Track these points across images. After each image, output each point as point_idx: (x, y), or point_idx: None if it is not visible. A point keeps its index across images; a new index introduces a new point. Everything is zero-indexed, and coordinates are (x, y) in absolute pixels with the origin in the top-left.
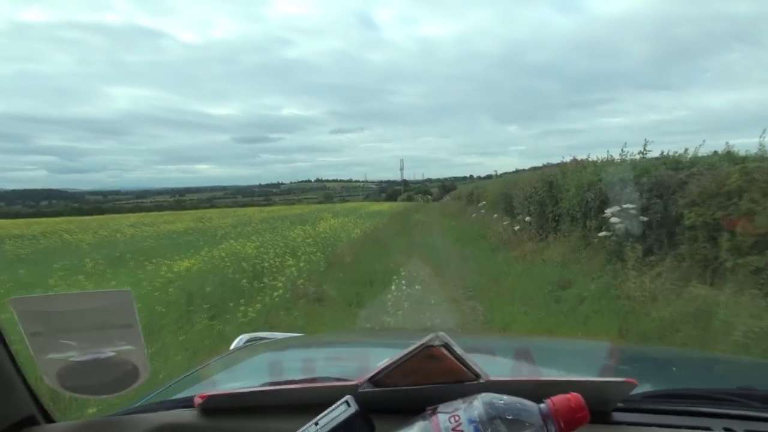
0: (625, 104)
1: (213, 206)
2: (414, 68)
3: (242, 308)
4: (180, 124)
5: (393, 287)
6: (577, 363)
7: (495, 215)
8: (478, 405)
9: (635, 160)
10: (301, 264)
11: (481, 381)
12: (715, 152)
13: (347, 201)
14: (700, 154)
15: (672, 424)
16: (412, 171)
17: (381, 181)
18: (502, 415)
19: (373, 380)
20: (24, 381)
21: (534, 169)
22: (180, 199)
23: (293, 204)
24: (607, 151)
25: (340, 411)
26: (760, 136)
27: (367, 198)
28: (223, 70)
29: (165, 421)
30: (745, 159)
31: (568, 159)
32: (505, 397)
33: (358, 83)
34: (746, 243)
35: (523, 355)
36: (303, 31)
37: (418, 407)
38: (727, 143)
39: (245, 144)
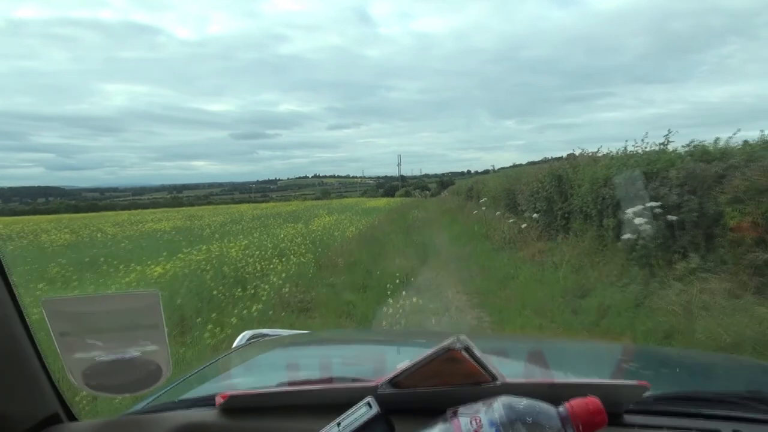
0: (622, 98)
1: (209, 203)
2: (411, 64)
3: (210, 327)
4: (177, 121)
5: (389, 294)
6: (589, 364)
7: (498, 212)
8: (498, 407)
9: (655, 151)
10: (290, 267)
11: (499, 383)
12: (746, 142)
13: (345, 197)
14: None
15: (682, 426)
16: (409, 166)
17: (378, 177)
18: (522, 418)
19: (392, 382)
20: (50, 379)
21: (532, 163)
22: (177, 195)
23: (289, 200)
24: (626, 141)
25: (362, 412)
26: None
27: (364, 194)
28: (219, 66)
29: (187, 420)
30: None
31: (577, 152)
32: (524, 399)
33: (355, 79)
34: None
35: (536, 356)
36: (300, 27)
37: (437, 409)
38: (762, 132)
39: (242, 140)
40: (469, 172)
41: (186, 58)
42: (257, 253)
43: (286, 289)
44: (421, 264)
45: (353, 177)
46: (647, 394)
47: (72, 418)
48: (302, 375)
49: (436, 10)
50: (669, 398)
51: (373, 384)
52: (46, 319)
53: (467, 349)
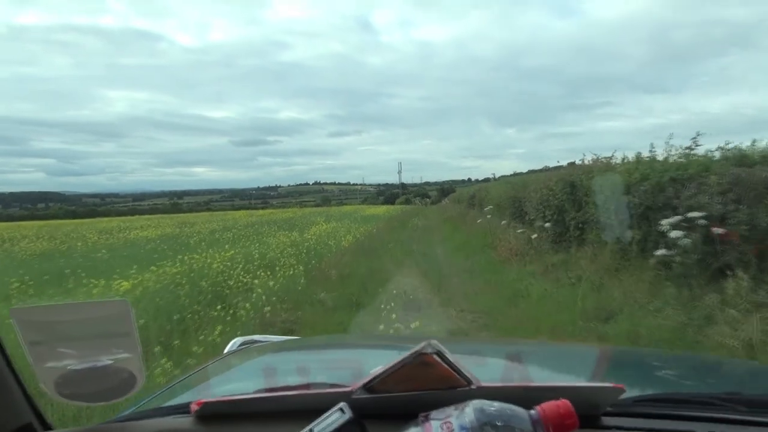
0: (622, 108)
1: (209, 209)
2: (412, 71)
3: (164, 361)
4: (178, 127)
5: (385, 312)
6: (568, 367)
7: (503, 222)
8: (469, 412)
9: (683, 155)
10: (277, 281)
11: (473, 387)
12: None
13: (345, 204)
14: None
15: (660, 428)
16: (410, 174)
17: (379, 184)
18: (492, 422)
19: (367, 387)
20: (21, 388)
21: (532, 172)
22: (176, 202)
23: (288, 207)
24: (652, 144)
25: (335, 418)
26: None
27: (364, 201)
28: (221, 73)
29: (161, 428)
30: None
31: (589, 158)
32: (495, 403)
33: (356, 86)
34: None
35: (514, 360)
36: (301, 35)
37: (411, 413)
38: None
39: (243, 147)
40: (469, 180)
41: (187, 65)
42: (242, 264)
43: (269, 309)
44: (422, 277)
45: (354, 184)
46: (625, 396)
47: (46, 427)
48: (282, 381)
49: (438, 18)
50: (647, 400)
51: (347, 389)
52: (16, 328)
53: (439, 354)
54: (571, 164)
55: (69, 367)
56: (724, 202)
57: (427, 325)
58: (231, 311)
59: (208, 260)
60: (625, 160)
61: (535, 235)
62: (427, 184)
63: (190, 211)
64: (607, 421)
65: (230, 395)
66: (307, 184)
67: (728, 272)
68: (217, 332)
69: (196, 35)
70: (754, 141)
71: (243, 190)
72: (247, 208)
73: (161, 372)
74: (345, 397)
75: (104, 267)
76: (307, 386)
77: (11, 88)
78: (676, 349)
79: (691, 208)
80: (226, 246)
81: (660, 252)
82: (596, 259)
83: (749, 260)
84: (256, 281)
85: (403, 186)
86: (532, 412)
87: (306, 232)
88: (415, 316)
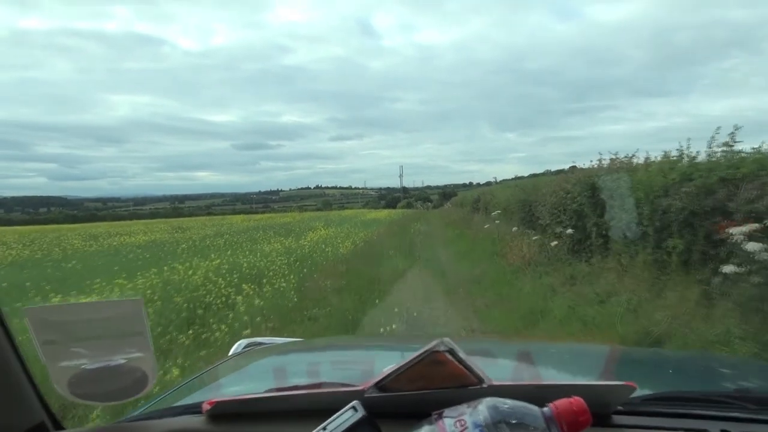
0: (624, 111)
1: (210, 213)
2: (413, 75)
3: (95, 414)
4: (180, 131)
5: (385, 335)
6: (578, 366)
7: (515, 228)
8: (482, 409)
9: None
10: (264, 295)
11: (485, 385)
12: None
13: (346, 208)
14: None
15: (670, 426)
16: (411, 178)
17: (380, 188)
18: (506, 419)
19: (379, 385)
20: (35, 388)
21: (533, 176)
22: (178, 206)
23: (288, 212)
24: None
25: (348, 416)
26: None
27: (366, 205)
28: (223, 77)
29: (173, 427)
30: None
31: (605, 160)
32: (509, 401)
33: (357, 90)
34: None
35: (524, 358)
36: (303, 38)
37: (423, 412)
38: None
39: (245, 151)
40: (470, 183)
41: (189, 69)
42: (227, 276)
43: (248, 331)
44: (425, 289)
45: (355, 188)
46: (635, 394)
47: (58, 427)
48: (291, 381)
49: (439, 22)
50: (657, 398)
51: (359, 388)
52: (30, 328)
53: (451, 352)
54: (573, 168)
55: (82, 367)
56: None
57: None
58: (203, 335)
59: (190, 271)
60: (648, 161)
61: (555, 243)
62: (429, 187)
63: (191, 215)
64: (618, 419)
65: (241, 395)
66: (308, 188)
67: None
68: (176, 371)
69: (199, 39)
70: None
71: (245, 195)
72: (248, 213)
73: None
74: (357, 395)
75: (75, 278)
76: (318, 385)
77: (14, 92)
78: (685, 348)
79: (759, 213)
80: (212, 255)
81: (729, 269)
82: (627, 273)
83: None
84: (239, 297)
85: (404, 190)
86: (545, 409)
87: (303, 238)
88: (417, 338)
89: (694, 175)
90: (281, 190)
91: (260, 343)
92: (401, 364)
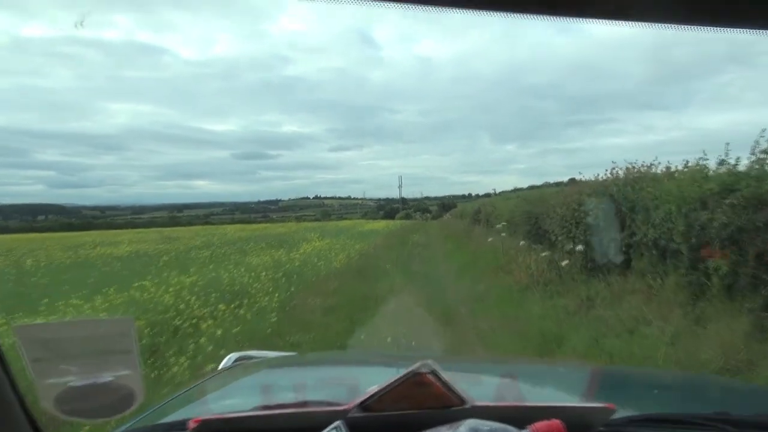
0: (623, 124)
1: (207, 223)
2: (413, 87)
3: None
4: (179, 140)
5: None
6: (561, 387)
7: (522, 242)
8: (463, 431)
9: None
10: (240, 318)
11: (467, 407)
12: None
13: (344, 218)
14: None
15: None
16: (410, 189)
17: (379, 199)
18: None
19: (363, 405)
20: (22, 405)
21: (533, 187)
22: (176, 215)
23: (286, 221)
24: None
25: None
26: None
27: (365, 215)
28: (223, 86)
29: None
30: None
31: (620, 169)
32: (489, 423)
33: (357, 101)
34: None
35: (507, 379)
36: (304, 49)
37: None
38: None
39: (244, 160)
40: (470, 195)
41: (190, 78)
42: (202, 295)
43: (214, 365)
44: (424, 309)
45: (354, 198)
46: (617, 416)
47: None
48: (278, 398)
49: (439, 34)
50: (639, 420)
51: (344, 408)
52: (20, 345)
53: (434, 373)
54: (572, 180)
55: (70, 384)
56: None
57: None
58: (156, 372)
59: (161, 289)
60: (669, 169)
61: (566, 262)
62: (428, 198)
63: (189, 224)
64: None
65: (227, 412)
66: (307, 198)
67: None
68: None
69: (199, 49)
70: None
71: (244, 204)
72: (247, 222)
73: None
74: (341, 415)
75: (37, 294)
76: (303, 404)
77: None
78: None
79: None
80: (192, 269)
81: None
82: (655, 297)
83: None
84: (208, 322)
85: (403, 201)
86: (524, 431)
87: (295, 251)
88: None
89: (740, 185)
90: (280, 200)
91: (251, 357)
92: (385, 384)
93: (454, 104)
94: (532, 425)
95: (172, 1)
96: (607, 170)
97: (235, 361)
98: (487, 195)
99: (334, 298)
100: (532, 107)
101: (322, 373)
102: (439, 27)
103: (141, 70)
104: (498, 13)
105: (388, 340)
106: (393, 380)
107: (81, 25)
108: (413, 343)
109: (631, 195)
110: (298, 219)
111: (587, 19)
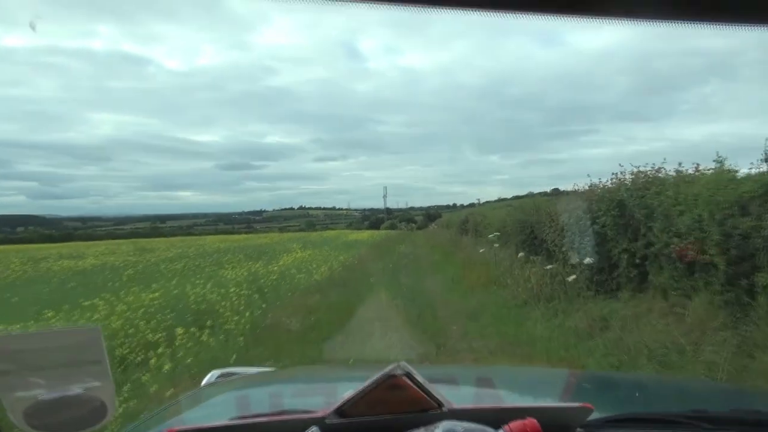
0: (605, 135)
1: (190, 234)
2: (398, 98)
3: None
4: (163, 151)
5: None
6: (539, 390)
7: (521, 254)
8: None
9: None
10: (200, 344)
11: (444, 409)
12: None
13: (329, 228)
14: None
15: None
16: (395, 199)
17: (364, 209)
18: None
19: (339, 411)
20: None
21: (516, 198)
22: (158, 226)
23: (270, 232)
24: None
25: None
26: None
27: (350, 226)
28: (207, 97)
29: None
30: None
31: (627, 174)
32: (465, 424)
33: (342, 112)
34: None
35: (485, 383)
36: (288, 60)
37: None
38: None
39: (229, 171)
40: (454, 205)
41: (174, 89)
42: (158, 316)
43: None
44: (412, 327)
45: (339, 209)
46: (595, 416)
47: None
48: (255, 410)
49: (423, 46)
50: (616, 420)
51: (319, 414)
52: None
53: (408, 375)
54: (555, 190)
55: (38, 397)
56: None
57: None
58: None
59: (114, 308)
60: (681, 173)
61: (573, 277)
62: (413, 209)
63: (171, 235)
64: None
65: (202, 424)
66: (292, 208)
67: None
68: None
69: (184, 60)
70: None
71: (228, 215)
72: (230, 233)
73: None
74: (317, 422)
75: None
76: (280, 413)
77: None
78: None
79: None
80: (155, 284)
81: None
82: (686, 318)
83: None
84: (159, 350)
85: (388, 211)
86: (500, 431)
87: (274, 262)
88: None
89: None
90: (265, 211)
91: (233, 374)
92: (359, 389)
93: (438, 115)
94: (508, 425)
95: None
96: (613, 175)
97: (218, 377)
98: (472, 205)
99: (312, 316)
100: (515, 119)
101: (300, 386)
102: (424, 38)
103: (125, 80)
104: (487, 12)
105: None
106: (367, 384)
107: (33, 27)
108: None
109: (649, 200)
110: (282, 230)
111: (576, 17)
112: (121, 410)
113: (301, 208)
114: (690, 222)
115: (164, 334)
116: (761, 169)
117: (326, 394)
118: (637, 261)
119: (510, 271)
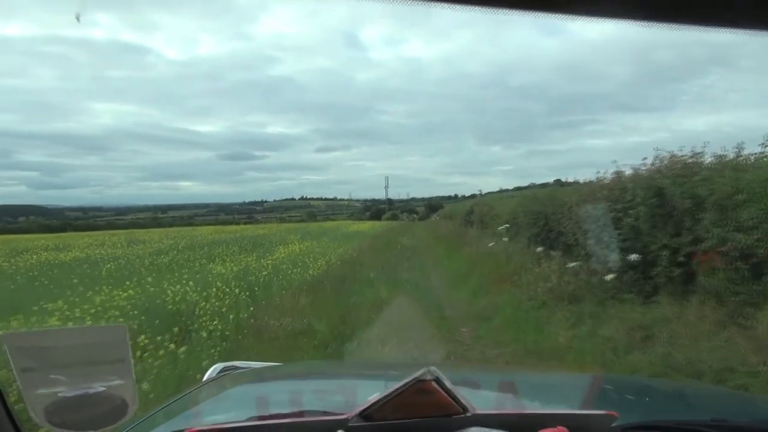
0: (607, 125)
1: (191, 224)
2: (400, 88)
3: None
4: (164, 141)
5: None
6: (562, 395)
7: (539, 248)
8: None
9: None
10: (167, 356)
11: (469, 414)
12: None
13: (330, 219)
14: None
15: None
16: (396, 190)
17: (366, 200)
18: None
19: (363, 414)
20: (8, 414)
21: (518, 189)
22: (159, 216)
23: (268, 223)
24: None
25: None
26: None
27: (351, 216)
28: (208, 86)
29: None
30: None
31: (663, 158)
32: (493, 430)
33: (344, 102)
34: None
35: (507, 387)
36: (290, 50)
37: None
38: None
39: (230, 161)
40: (456, 196)
41: (174, 78)
42: (124, 323)
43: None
44: (416, 332)
45: (340, 199)
46: (617, 423)
47: None
48: (273, 408)
49: (426, 36)
50: (638, 427)
51: (344, 417)
52: (8, 354)
53: (438, 380)
54: (557, 181)
55: (60, 394)
56: None
57: None
58: None
59: (73, 312)
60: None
61: (611, 276)
62: (414, 199)
63: (170, 225)
64: None
65: (222, 423)
66: (293, 199)
67: None
68: None
69: (184, 49)
70: None
71: (229, 205)
72: (230, 223)
73: None
74: (341, 424)
75: None
76: (300, 414)
77: None
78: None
79: None
80: (128, 282)
81: None
82: (755, 331)
83: None
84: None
85: (389, 201)
86: None
87: (268, 255)
88: None
89: None
90: (266, 201)
91: (236, 367)
92: (387, 392)
93: (440, 105)
94: None
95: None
96: (647, 158)
97: (220, 372)
98: (473, 196)
99: (303, 318)
100: (517, 109)
101: (316, 384)
102: (426, 28)
103: (125, 69)
104: (486, 9)
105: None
106: (395, 388)
107: (78, 19)
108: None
109: (696, 189)
110: (283, 220)
111: (574, 17)
112: None
113: (302, 198)
114: (757, 214)
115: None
116: None
117: (345, 395)
118: (681, 259)
119: (524, 267)
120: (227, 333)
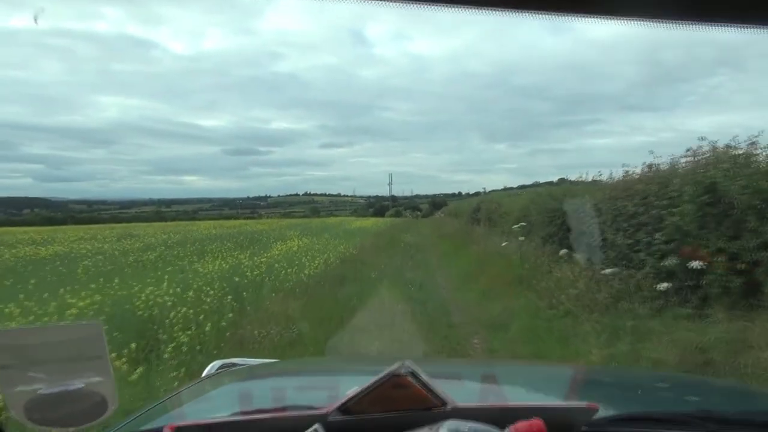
0: (612, 125)
1: (194, 218)
2: (405, 85)
3: None
4: (169, 135)
5: None
6: (544, 387)
7: (563, 250)
8: None
9: None
10: (118, 381)
11: (448, 408)
12: None
13: (333, 215)
14: None
15: None
16: (400, 187)
17: (369, 196)
18: None
19: (342, 408)
20: None
21: (522, 187)
22: (163, 210)
23: (271, 218)
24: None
25: None
26: None
27: (354, 212)
28: (213, 81)
29: None
30: None
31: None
32: (470, 423)
33: (349, 98)
34: None
35: (489, 380)
36: (295, 46)
37: None
38: None
39: (234, 156)
40: (460, 193)
41: (180, 73)
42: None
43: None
44: (422, 342)
45: (344, 196)
46: (600, 415)
47: None
48: (258, 404)
49: (432, 33)
50: (622, 419)
51: (322, 412)
52: None
53: (413, 374)
54: (562, 179)
55: (39, 392)
56: None
57: None
58: None
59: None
60: None
61: (665, 285)
62: (418, 196)
63: (173, 220)
64: None
65: (203, 419)
66: (297, 194)
67: None
68: None
69: (190, 44)
70: None
71: (233, 200)
72: (233, 218)
73: None
74: (320, 419)
75: None
76: (282, 409)
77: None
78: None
79: None
80: (93, 285)
81: None
82: None
83: None
84: None
85: (393, 198)
86: (506, 431)
87: (264, 253)
88: None
89: None
90: (270, 197)
91: (234, 364)
92: (363, 387)
93: (445, 103)
94: (513, 425)
95: None
96: (687, 151)
97: (218, 368)
98: (477, 194)
99: (295, 327)
100: (522, 107)
101: (302, 380)
102: (432, 26)
103: (131, 63)
104: (491, 11)
105: None
106: (371, 383)
107: (36, 20)
108: None
109: (761, 184)
110: (286, 215)
111: (580, 17)
112: None
113: (306, 194)
114: None
115: None
116: None
117: (329, 390)
118: (742, 266)
119: (542, 269)
120: (198, 347)
